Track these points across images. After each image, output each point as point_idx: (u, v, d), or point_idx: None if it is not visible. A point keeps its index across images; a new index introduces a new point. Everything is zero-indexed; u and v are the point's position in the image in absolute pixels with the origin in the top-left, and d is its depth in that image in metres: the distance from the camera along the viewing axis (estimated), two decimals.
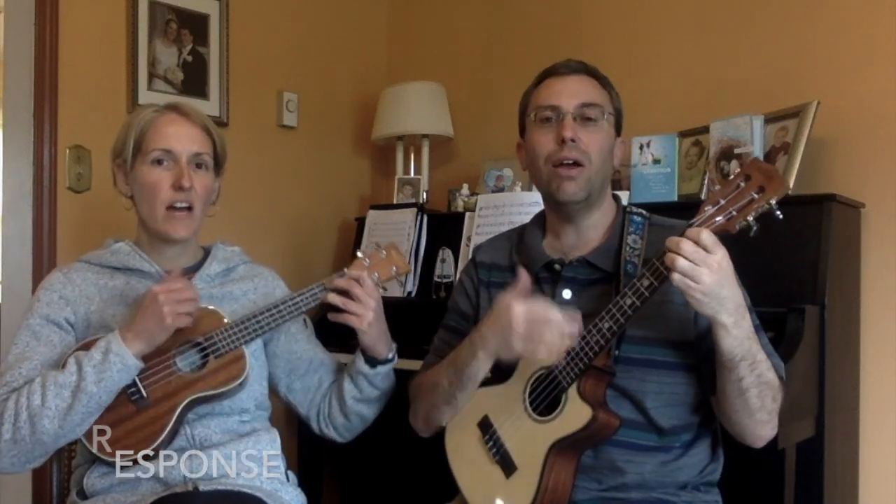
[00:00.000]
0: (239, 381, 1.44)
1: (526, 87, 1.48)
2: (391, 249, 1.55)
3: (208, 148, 1.54)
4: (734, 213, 1.15)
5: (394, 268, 1.54)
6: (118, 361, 1.35)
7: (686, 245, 1.15)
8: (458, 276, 1.70)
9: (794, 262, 1.85)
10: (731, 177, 1.17)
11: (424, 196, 2.71)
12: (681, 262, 1.15)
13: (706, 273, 1.14)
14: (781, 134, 2.00)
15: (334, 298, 1.48)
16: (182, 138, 1.49)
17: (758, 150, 1.98)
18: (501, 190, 2.52)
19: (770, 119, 2.02)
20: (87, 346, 1.40)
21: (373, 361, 1.54)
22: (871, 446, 2.04)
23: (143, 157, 1.49)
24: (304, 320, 1.66)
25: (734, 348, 1.20)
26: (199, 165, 1.51)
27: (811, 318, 1.75)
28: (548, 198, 1.44)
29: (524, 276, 1.32)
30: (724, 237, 1.17)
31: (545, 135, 1.40)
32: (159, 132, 1.49)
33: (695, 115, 2.21)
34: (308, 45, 2.90)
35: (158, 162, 1.48)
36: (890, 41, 2.03)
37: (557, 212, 1.44)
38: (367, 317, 1.47)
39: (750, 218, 1.14)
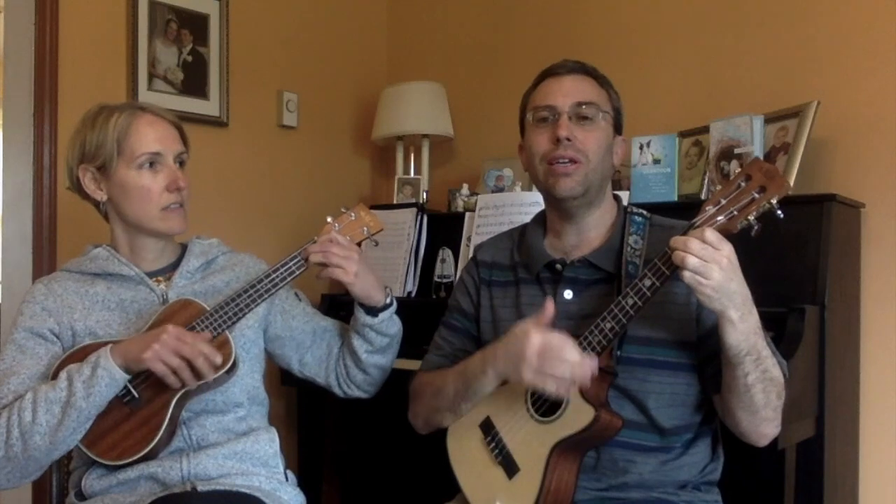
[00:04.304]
0: (226, 367, 1.41)
1: (526, 86, 1.49)
2: (360, 210, 1.52)
3: (184, 145, 1.55)
4: (735, 212, 1.17)
5: (364, 228, 1.51)
6: (106, 376, 1.35)
7: (693, 243, 1.15)
8: (458, 275, 1.69)
9: (794, 262, 1.85)
10: (733, 177, 1.17)
11: (424, 196, 2.71)
12: (691, 260, 1.15)
13: (716, 269, 1.15)
14: (781, 134, 2.00)
15: (315, 256, 1.46)
16: (166, 139, 1.50)
17: (758, 150, 1.98)
18: (501, 190, 2.52)
19: (770, 119, 2.02)
20: (74, 355, 1.40)
21: (373, 311, 1.53)
22: (871, 446, 2.04)
23: (127, 162, 1.48)
24: (297, 294, 1.65)
25: (740, 343, 1.19)
26: (181, 164, 1.53)
27: (811, 318, 1.75)
28: (546, 195, 1.44)
29: (549, 307, 1.28)
30: (726, 237, 1.17)
31: (541, 134, 1.41)
32: (143, 135, 1.48)
33: (695, 115, 2.22)
34: (308, 45, 2.90)
35: (149, 165, 1.48)
36: (890, 41, 2.03)
37: (557, 210, 1.44)
38: (351, 267, 1.46)
39: (751, 217, 1.16)
